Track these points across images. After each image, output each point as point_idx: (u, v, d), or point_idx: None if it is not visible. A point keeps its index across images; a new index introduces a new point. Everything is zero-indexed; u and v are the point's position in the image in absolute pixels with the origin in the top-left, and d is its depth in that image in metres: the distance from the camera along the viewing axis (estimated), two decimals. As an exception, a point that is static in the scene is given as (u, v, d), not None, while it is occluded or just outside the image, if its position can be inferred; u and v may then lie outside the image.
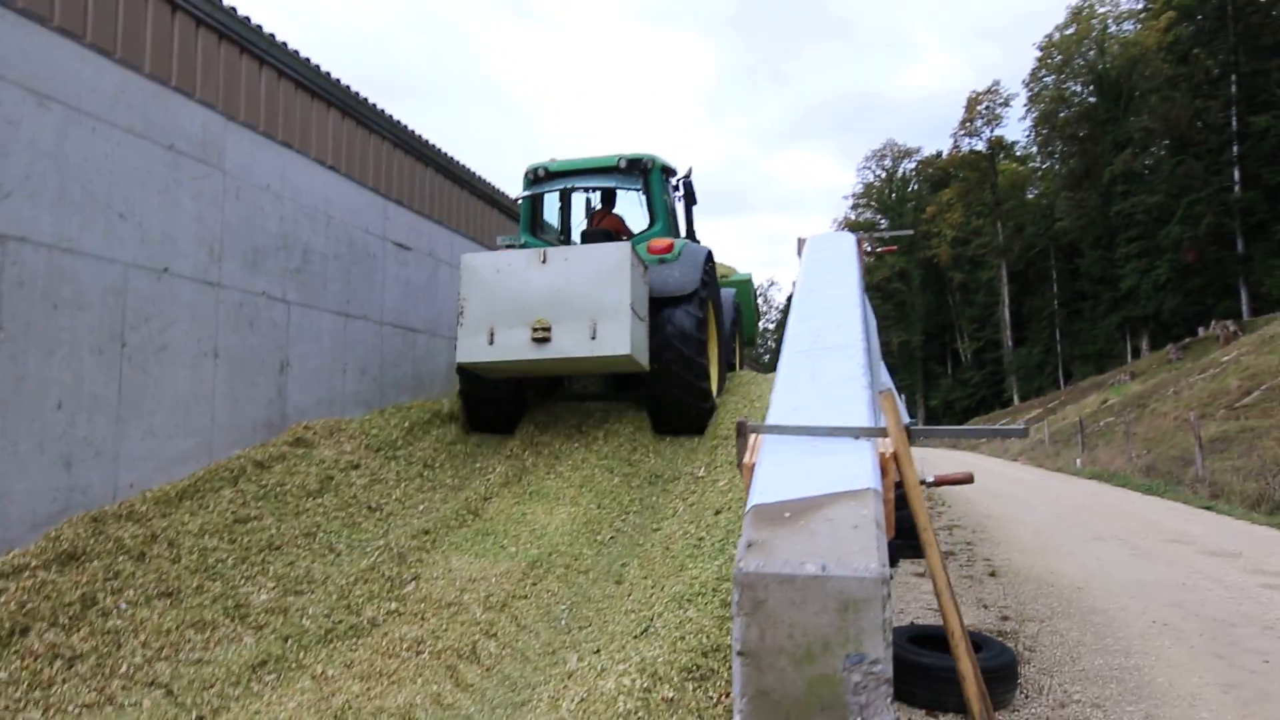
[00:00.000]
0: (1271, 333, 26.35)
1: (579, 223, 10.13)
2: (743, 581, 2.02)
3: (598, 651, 4.24)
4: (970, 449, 33.17)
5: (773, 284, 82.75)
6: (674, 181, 9.55)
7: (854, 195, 73.42)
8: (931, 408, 62.92)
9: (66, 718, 3.92)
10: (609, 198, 9.67)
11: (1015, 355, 54.89)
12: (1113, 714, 4.11)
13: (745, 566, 2.04)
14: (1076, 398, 37.10)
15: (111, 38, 5.87)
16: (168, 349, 6.21)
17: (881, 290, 61.85)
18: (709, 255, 8.62)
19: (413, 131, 9.86)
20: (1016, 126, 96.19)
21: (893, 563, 6.22)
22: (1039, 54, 52.15)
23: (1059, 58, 50.64)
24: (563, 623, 5.06)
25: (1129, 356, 43.76)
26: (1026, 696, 4.37)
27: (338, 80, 8.40)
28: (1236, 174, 39.43)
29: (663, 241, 8.45)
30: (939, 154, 67.72)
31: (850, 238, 5.73)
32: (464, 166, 11.21)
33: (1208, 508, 12.01)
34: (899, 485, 2.67)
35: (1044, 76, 52.23)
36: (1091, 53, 48.95)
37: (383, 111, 9.19)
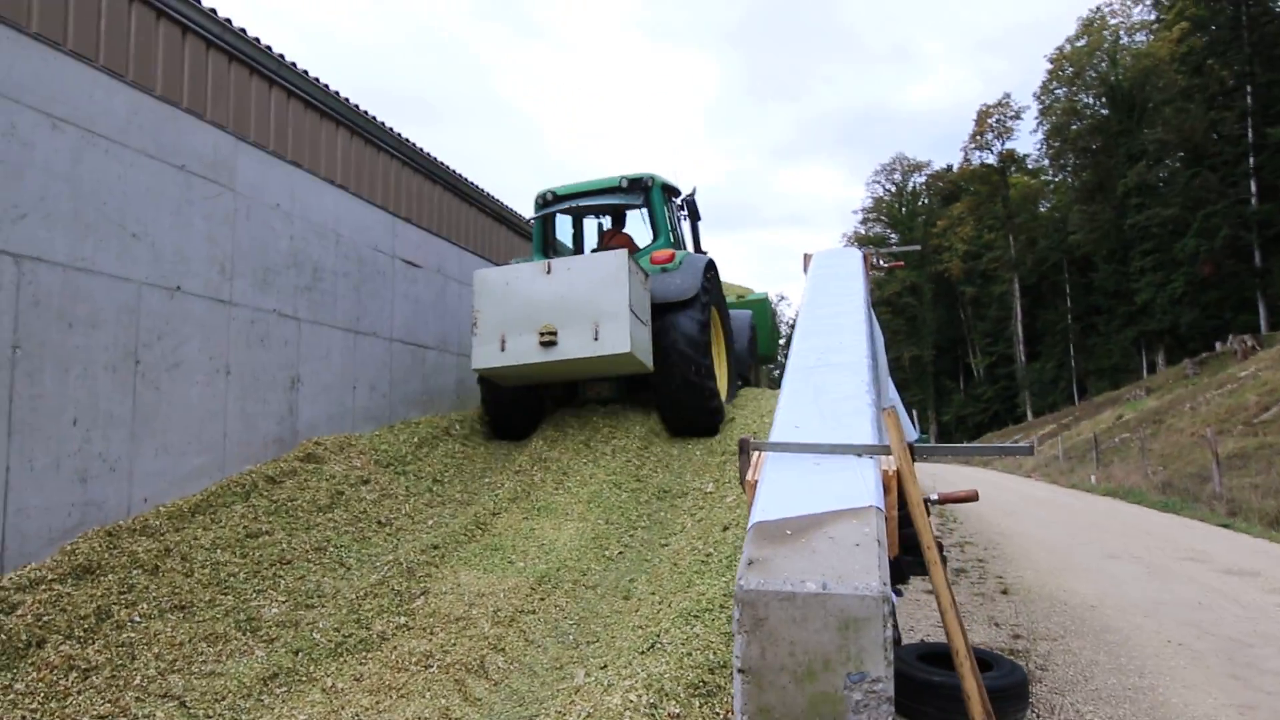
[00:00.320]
0: (1289, 347, 26.07)
1: (591, 243, 10.65)
2: (743, 599, 2.03)
3: (605, 667, 4.24)
4: (983, 465, 32.92)
5: (782, 299, 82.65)
6: (678, 201, 10.08)
7: (864, 210, 73.42)
8: (944, 423, 62.49)
9: (79, 731, 3.95)
10: (618, 218, 10.21)
11: (1028, 370, 54.48)
12: (1125, 734, 4.07)
13: (746, 584, 2.05)
14: (1091, 413, 36.78)
15: (124, 60, 5.98)
16: (180, 366, 6.28)
17: (892, 305, 61.64)
18: (710, 264, 8.99)
19: (421, 149, 9.96)
20: (1028, 139, 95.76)
21: (902, 580, 6.19)
22: (1050, 66, 52.13)
23: (1070, 70, 50.53)
24: (570, 638, 5.06)
25: (1144, 371, 43.39)
26: (1038, 716, 4.33)
27: (346, 99, 8.51)
28: (1253, 186, 39.10)
29: (664, 252, 8.97)
30: (949, 168, 67.64)
31: (856, 253, 5.74)
32: (472, 184, 11.31)
33: (1225, 525, 11.87)
34: (904, 503, 2.67)
35: (1055, 89, 52.15)
36: (1104, 64, 48.84)
37: (391, 130, 9.30)
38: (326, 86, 8.19)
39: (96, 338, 5.58)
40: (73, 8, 5.58)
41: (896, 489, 2.57)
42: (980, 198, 59.51)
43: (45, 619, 4.46)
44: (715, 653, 3.79)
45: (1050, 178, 58.03)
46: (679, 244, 9.77)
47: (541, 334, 7.76)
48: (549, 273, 7.91)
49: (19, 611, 4.43)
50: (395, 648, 4.83)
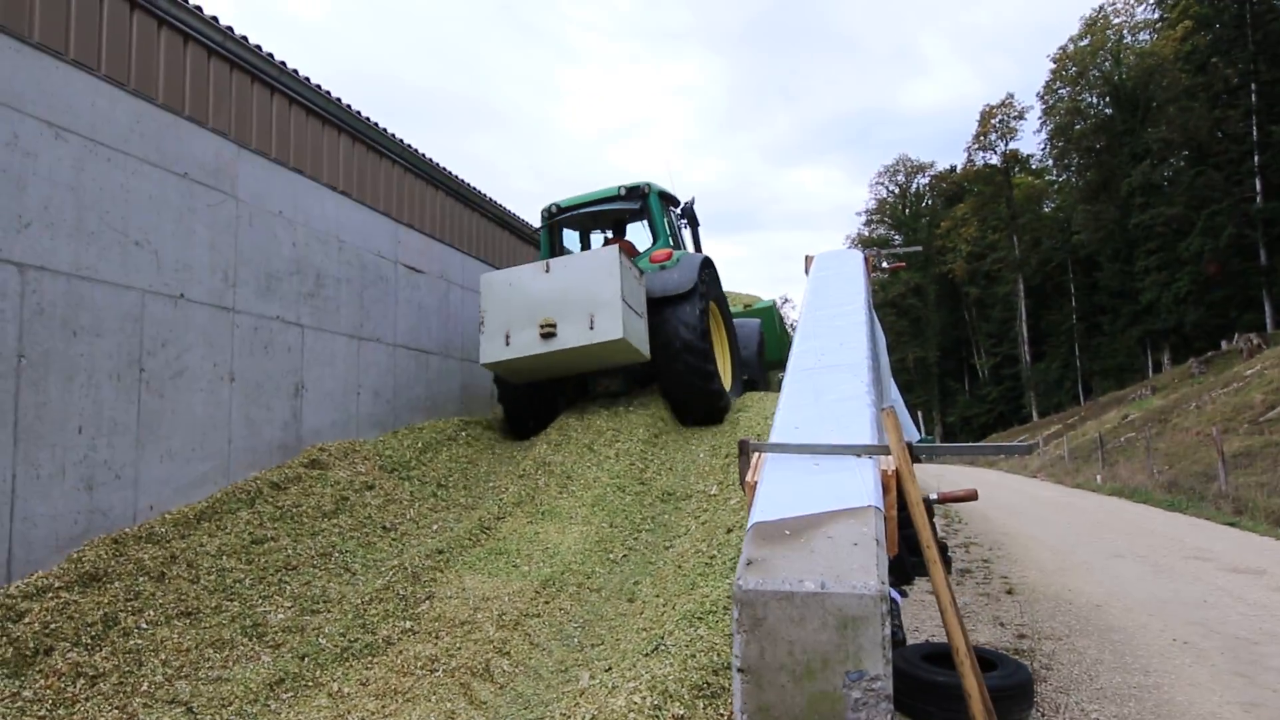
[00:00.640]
0: (1295, 344, 25.97)
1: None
2: (742, 599, 2.04)
3: (609, 669, 4.24)
4: (988, 466, 32.84)
5: (786, 300, 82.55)
6: (678, 210, 10.83)
7: (867, 211, 73.12)
8: (949, 424, 62.31)
9: (85, 737, 3.98)
10: (619, 226, 11.04)
11: (1033, 371, 54.30)
12: (1130, 733, 4.06)
13: (744, 584, 2.06)
14: (1097, 413, 36.65)
15: (125, 69, 6.03)
16: (184, 374, 6.31)
17: (897, 306, 61.48)
18: (706, 261, 9.57)
19: (423, 155, 10.00)
20: (1031, 139, 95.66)
21: (907, 580, 6.18)
22: (1053, 65, 51.99)
23: (1074, 69, 50.35)
24: (575, 641, 5.07)
25: (1150, 371, 43.22)
26: (1043, 715, 4.32)
27: (348, 106, 8.55)
28: (1258, 184, 38.92)
29: (662, 252, 9.73)
30: (953, 168, 67.44)
31: (857, 255, 5.76)
32: (474, 189, 11.35)
33: (1231, 524, 11.82)
34: (905, 503, 2.68)
35: (1059, 88, 51.95)
36: (1107, 64, 48.68)
37: (392, 136, 9.34)
38: (328, 93, 8.23)
39: (100, 346, 5.62)
40: (74, 17, 5.62)
41: (896, 489, 2.58)
42: (984, 198, 59.35)
43: (53, 627, 4.49)
44: (719, 654, 3.79)
45: (1054, 178, 57.87)
46: (678, 246, 10.31)
47: (542, 326, 8.38)
48: (548, 271, 8.59)
49: (26, 619, 4.46)
50: (401, 652, 4.85)
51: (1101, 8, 49.74)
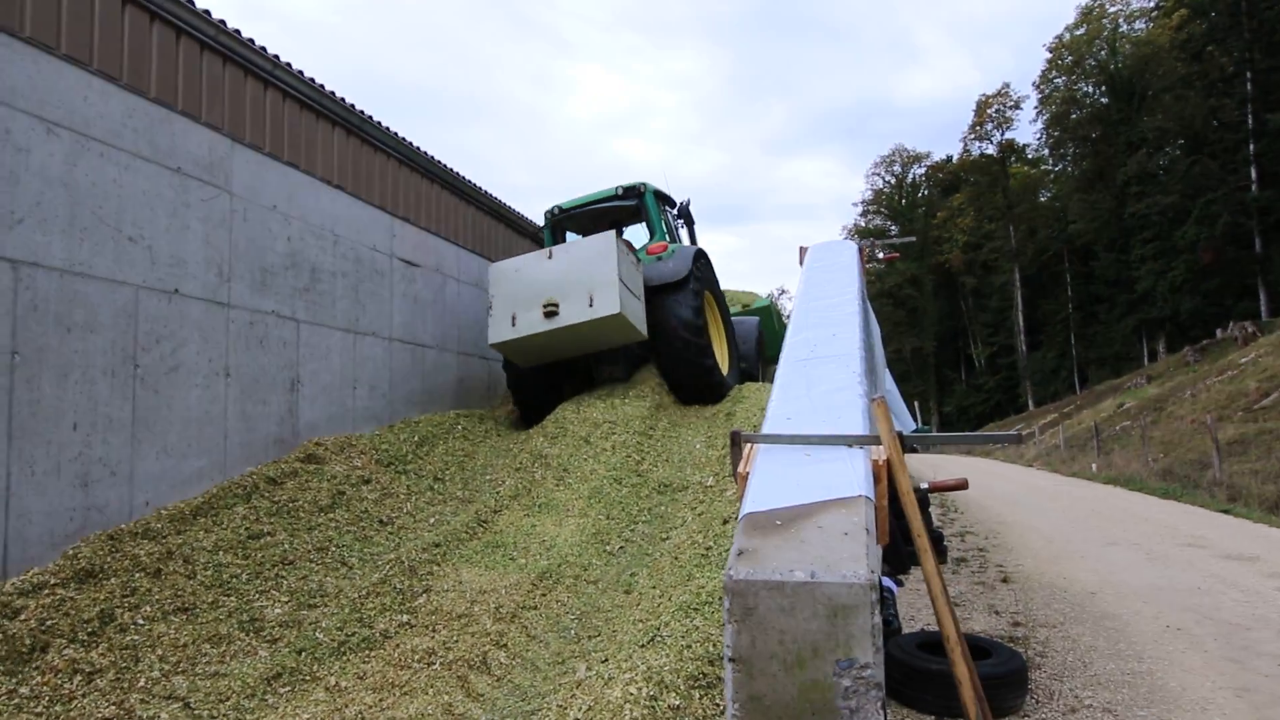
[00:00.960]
0: (1290, 332, 26.03)
1: None
2: (733, 589, 2.05)
3: (606, 660, 4.27)
4: (984, 455, 32.93)
5: (783, 292, 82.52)
6: (674, 211, 11.56)
7: (864, 202, 73.03)
8: (946, 414, 62.43)
9: (83, 733, 3.99)
10: (618, 226, 11.72)
11: (1030, 360, 54.41)
12: (1123, 719, 4.09)
13: (735, 574, 2.07)
14: (1092, 402, 36.72)
15: (117, 64, 6.00)
16: (179, 369, 6.31)
17: (893, 296, 61.51)
18: (699, 253, 10.33)
19: (418, 148, 9.98)
20: (1027, 129, 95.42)
21: (903, 570, 6.21)
22: (1049, 55, 51.92)
23: (1070, 58, 50.27)
24: (572, 632, 5.09)
25: (1145, 359, 43.29)
26: (1037, 702, 4.35)
27: (342, 99, 8.52)
28: (1253, 172, 38.93)
29: (658, 245, 10.43)
30: (949, 158, 67.35)
31: (851, 246, 5.76)
32: (470, 182, 11.33)
33: (1225, 511, 11.87)
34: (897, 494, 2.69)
35: (1055, 78, 51.88)
36: (1103, 53, 48.59)
37: (388, 129, 9.31)
38: (322, 87, 8.20)
39: (95, 342, 5.61)
40: (65, 12, 5.60)
41: (887, 478, 2.59)
42: (980, 188, 59.34)
43: (49, 623, 4.49)
44: (715, 645, 3.81)
45: (1050, 167, 57.83)
46: (674, 241, 10.94)
47: (545, 306, 9.03)
48: (551, 258, 9.32)
49: (22, 616, 4.47)
50: (398, 646, 4.87)
51: (1098, -5, 49.65)
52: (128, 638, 4.66)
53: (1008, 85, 64.18)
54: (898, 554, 5.13)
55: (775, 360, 13.93)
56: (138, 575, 5.12)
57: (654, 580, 5.34)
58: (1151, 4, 47.48)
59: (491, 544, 6.37)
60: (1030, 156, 59.80)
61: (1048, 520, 11.61)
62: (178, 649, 4.72)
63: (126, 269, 5.92)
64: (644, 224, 11.16)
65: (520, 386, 10.13)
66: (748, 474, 2.64)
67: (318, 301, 8.03)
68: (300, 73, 7.89)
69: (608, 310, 8.76)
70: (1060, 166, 55.99)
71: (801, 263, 5.62)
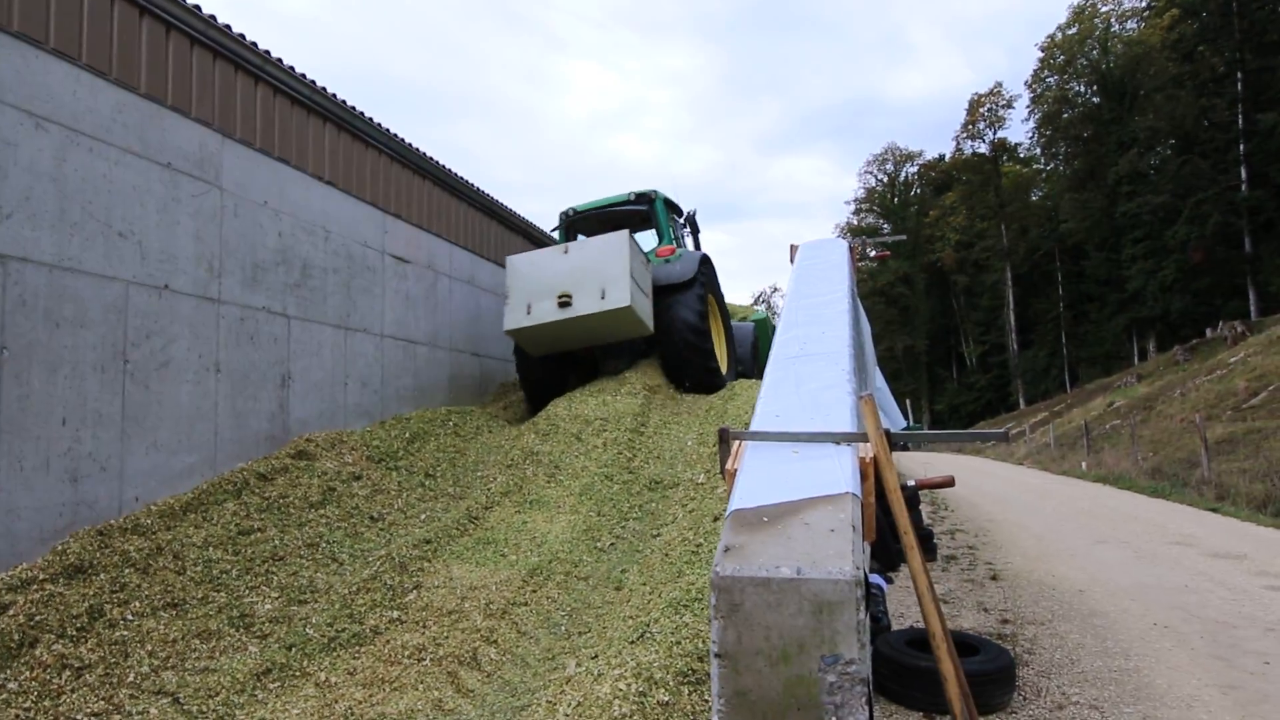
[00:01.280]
0: (1279, 333, 26.19)
1: None
2: (719, 585, 2.06)
3: (596, 657, 4.28)
4: (975, 453, 33.05)
5: (775, 290, 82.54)
6: (681, 220, 12.31)
7: (856, 200, 73.13)
8: (937, 412, 62.58)
9: (72, 728, 3.98)
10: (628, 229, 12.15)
11: (1021, 359, 54.60)
12: (1110, 715, 4.11)
13: (722, 570, 2.08)
14: (1083, 400, 36.91)
15: (107, 58, 5.97)
16: (170, 365, 6.29)
17: (885, 295, 61.66)
18: (704, 258, 10.94)
19: (410, 145, 9.95)
20: (1019, 128, 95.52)
21: (893, 567, 6.22)
22: (1041, 54, 52.07)
23: (1062, 58, 50.42)
24: (562, 629, 5.10)
25: (1136, 358, 43.52)
26: (1025, 699, 4.38)
27: (334, 95, 8.49)
28: (1243, 172, 39.13)
29: (666, 248, 11.22)
30: (941, 157, 67.51)
31: (842, 244, 5.77)
32: (462, 179, 11.31)
33: (1213, 510, 11.94)
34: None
35: (1047, 77, 52.02)
36: (1095, 52, 48.76)
37: (379, 125, 9.28)
38: (313, 82, 8.17)
39: (84, 337, 5.58)
40: (54, 6, 5.57)
41: (874, 475, 2.60)
42: (972, 187, 59.48)
43: (38, 619, 4.48)
44: (704, 641, 3.83)
45: (1042, 166, 58.02)
46: (680, 246, 11.71)
47: (559, 297, 9.56)
48: (566, 253, 9.90)
49: (11, 611, 4.45)
50: (388, 641, 4.87)
51: (1090, -5, 49.81)
52: (117, 633, 4.65)
53: (1000, 84, 64.12)
54: (887, 551, 5.15)
55: None
56: (127, 571, 5.11)
57: (644, 577, 5.35)
58: (1143, 4, 47.67)
59: (482, 540, 6.38)
60: (1022, 155, 60.01)
61: (1037, 518, 11.67)
62: (167, 644, 4.71)
63: (116, 264, 5.90)
64: (653, 229, 11.81)
65: (529, 375, 10.70)
66: (735, 471, 2.65)
67: (309, 297, 8.01)
68: (291, 68, 7.86)
69: (618, 303, 9.27)
70: (1052, 166, 56.18)
71: (793, 260, 5.63)
